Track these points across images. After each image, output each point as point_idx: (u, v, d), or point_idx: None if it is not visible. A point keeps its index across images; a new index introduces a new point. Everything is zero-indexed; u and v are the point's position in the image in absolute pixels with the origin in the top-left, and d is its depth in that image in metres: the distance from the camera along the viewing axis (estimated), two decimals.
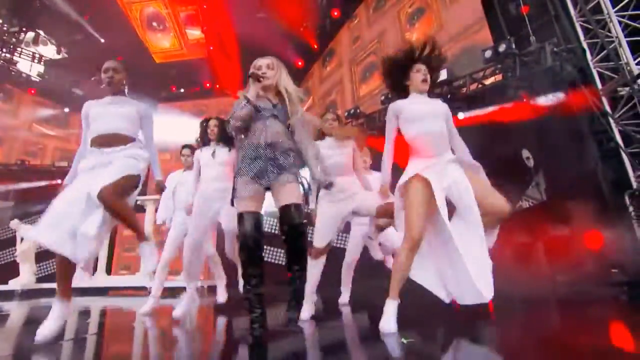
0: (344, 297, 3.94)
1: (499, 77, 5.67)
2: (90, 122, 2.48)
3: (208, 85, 13.64)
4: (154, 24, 11.87)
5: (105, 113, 2.46)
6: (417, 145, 2.40)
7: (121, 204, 2.27)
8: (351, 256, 4.03)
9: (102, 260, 9.74)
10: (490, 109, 5.46)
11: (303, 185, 2.18)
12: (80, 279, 9.00)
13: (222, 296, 4.08)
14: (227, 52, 11.74)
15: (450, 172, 2.31)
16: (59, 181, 10.90)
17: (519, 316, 2.55)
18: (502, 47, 5.22)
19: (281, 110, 2.24)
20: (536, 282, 4.04)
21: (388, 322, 2.11)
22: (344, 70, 10.67)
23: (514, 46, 5.08)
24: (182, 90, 13.96)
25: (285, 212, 2.04)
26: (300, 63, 11.80)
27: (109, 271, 10.11)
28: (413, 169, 2.33)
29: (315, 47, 11.63)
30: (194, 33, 12.17)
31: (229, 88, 12.97)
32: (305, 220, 2.06)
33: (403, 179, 2.33)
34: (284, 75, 2.27)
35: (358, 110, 8.50)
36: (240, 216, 2.06)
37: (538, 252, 4.39)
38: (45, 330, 2.13)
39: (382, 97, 7.62)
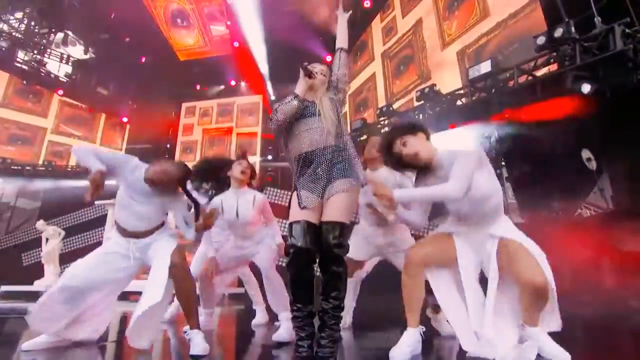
0: (345, 319, 3.26)
1: (553, 66, 5.21)
2: (117, 199, 2.42)
3: (233, 83, 13.68)
4: (178, 20, 12.06)
5: (130, 207, 2.38)
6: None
7: (189, 280, 2.34)
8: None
9: None
10: (543, 103, 5.06)
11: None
12: None
13: (261, 318, 3.61)
14: (252, 48, 11.71)
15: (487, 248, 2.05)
16: (85, 183, 11.40)
17: (580, 347, 2.21)
18: (558, 32, 4.76)
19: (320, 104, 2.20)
20: (602, 308, 3.55)
21: (400, 349, 1.95)
22: (376, 64, 10.42)
23: (573, 30, 4.61)
24: (206, 88, 14.08)
25: (321, 230, 1.94)
26: (329, 58, 11.56)
27: None
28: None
29: None
30: (219, 29, 12.22)
31: (255, 86, 12.97)
32: (344, 243, 1.93)
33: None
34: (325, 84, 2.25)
35: (391, 108, 8.18)
36: (290, 226, 2.00)
37: (604, 271, 3.90)
38: (31, 344, 2.25)
39: (418, 93, 7.30)
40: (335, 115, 2.11)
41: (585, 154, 4.62)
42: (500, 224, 2.05)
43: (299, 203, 1.99)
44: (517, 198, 5.70)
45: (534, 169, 4.69)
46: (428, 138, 2.16)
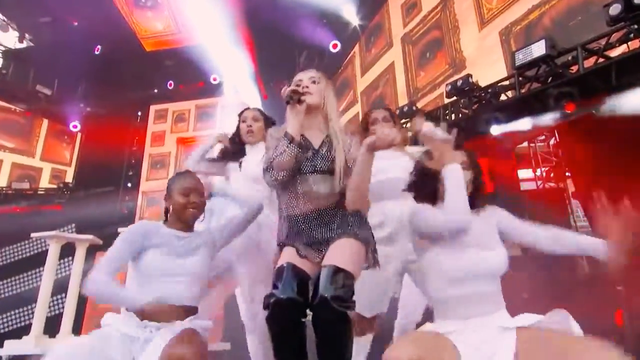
0: None
1: (634, 43, 5.03)
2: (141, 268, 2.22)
3: (215, 79, 13.60)
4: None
5: (165, 269, 2.18)
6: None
7: None
8: (408, 317, 3.26)
9: (69, 316, 9.56)
10: (624, 94, 4.95)
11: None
12: (35, 344, 8.84)
13: None
14: (238, 35, 11.76)
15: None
16: (16, 208, 11.22)
17: None
18: None
19: (327, 151, 2.15)
20: None
21: None
22: (395, 51, 10.46)
23: None
24: (181, 86, 14.08)
25: (318, 278, 1.91)
26: (334, 46, 11.70)
27: (77, 331, 9.93)
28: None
29: (356, 22, 11.43)
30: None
31: (242, 82, 12.91)
32: (349, 297, 1.86)
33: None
34: (331, 97, 2.21)
35: (415, 107, 8.08)
36: (278, 271, 1.97)
37: None
38: None
39: (449, 87, 7.23)
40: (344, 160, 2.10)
41: None
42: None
43: (297, 252, 2.03)
44: (590, 221, 5.38)
45: (612, 182, 4.37)
46: None
